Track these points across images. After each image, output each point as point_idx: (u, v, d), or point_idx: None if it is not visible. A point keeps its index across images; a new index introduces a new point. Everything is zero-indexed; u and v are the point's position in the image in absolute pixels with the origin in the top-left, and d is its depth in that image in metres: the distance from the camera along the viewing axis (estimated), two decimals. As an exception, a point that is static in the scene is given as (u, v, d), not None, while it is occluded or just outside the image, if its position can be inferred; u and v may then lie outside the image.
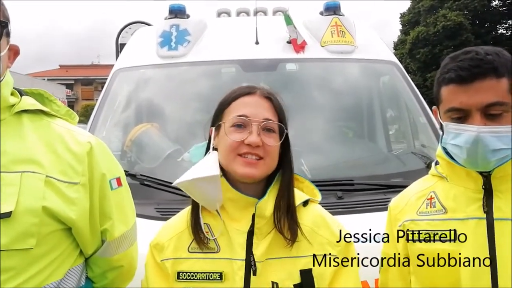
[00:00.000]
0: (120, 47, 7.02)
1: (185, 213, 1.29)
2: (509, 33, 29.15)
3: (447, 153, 1.23)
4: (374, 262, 1.44)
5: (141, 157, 2.42)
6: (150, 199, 2.04)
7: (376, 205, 2.04)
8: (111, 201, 1.22)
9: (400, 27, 31.74)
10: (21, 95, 1.19)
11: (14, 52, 1.18)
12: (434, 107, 1.28)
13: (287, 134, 1.23)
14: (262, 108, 1.21)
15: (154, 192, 2.11)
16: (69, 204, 1.10)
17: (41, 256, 1.08)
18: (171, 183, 2.13)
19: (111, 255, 1.27)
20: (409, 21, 30.16)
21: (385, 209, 2.01)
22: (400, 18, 31.69)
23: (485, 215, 1.15)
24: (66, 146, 1.16)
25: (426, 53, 27.08)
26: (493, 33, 29.02)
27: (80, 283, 1.21)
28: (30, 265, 1.05)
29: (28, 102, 1.17)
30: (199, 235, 1.20)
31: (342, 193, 2.11)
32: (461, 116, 1.14)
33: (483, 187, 1.17)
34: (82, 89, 47.47)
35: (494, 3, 29.03)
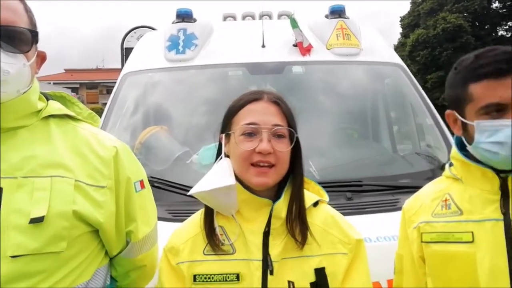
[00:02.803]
0: (125, 51, 7.08)
1: (198, 216, 1.29)
2: (510, 35, 29.19)
3: (466, 155, 1.22)
4: (383, 263, 1.47)
5: (150, 160, 2.43)
6: (161, 201, 2.04)
7: (386, 206, 2.06)
8: (135, 203, 1.24)
9: (400, 30, 31.86)
10: (47, 99, 1.20)
11: (41, 58, 1.19)
12: (449, 111, 1.24)
13: (297, 138, 1.23)
14: (270, 114, 1.20)
15: (165, 194, 2.13)
16: (97, 207, 1.12)
17: (71, 258, 1.09)
18: (182, 184, 2.20)
19: (135, 255, 1.29)
20: (409, 24, 30.24)
21: (395, 209, 2.05)
22: (400, 21, 31.78)
23: (502, 217, 1.15)
24: (92, 150, 1.17)
25: (426, 55, 27.14)
26: (493, 35, 29.07)
27: (106, 283, 1.23)
28: (61, 268, 1.07)
29: (55, 107, 1.19)
30: (213, 239, 1.20)
31: (352, 194, 2.12)
32: (494, 111, 1.11)
33: (500, 188, 1.16)
34: (87, 92, 47.35)
35: (494, 5, 29.11)
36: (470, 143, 1.19)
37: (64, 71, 50.20)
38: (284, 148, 1.19)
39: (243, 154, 1.18)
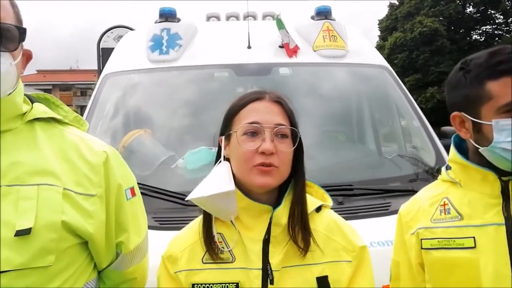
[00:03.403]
0: (101, 52, 6.89)
1: (197, 223, 1.24)
2: (483, 39, 30.08)
3: (466, 157, 1.20)
4: (378, 268, 1.42)
5: (134, 164, 2.32)
6: (147, 208, 1.96)
7: (378, 210, 2.03)
8: (127, 212, 1.17)
9: (378, 33, 32.42)
10: (32, 101, 1.13)
11: (27, 57, 1.12)
12: (455, 113, 1.19)
13: (300, 138, 1.18)
14: (273, 113, 1.16)
15: (150, 201, 2.03)
16: (86, 217, 1.05)
17: (59, 273, 1.02)
18: (167, 191, 2.12)
19: (126, 267, 1.22)
20: (387, 27, 30.82)
21: (386, 214, 2.02)
22: (378, 24, 32.35)
23: (504, 221, 1.12)
24: (81, 156, 1.10)
25: (404, 58, 27.70)
26: (468, 39, 29.91)
27: None
28: (48, 283, 0.99)
29: (40, 110, 1.11)
30: (212, 247, 1.16)
31: (343, 198, 2.09)
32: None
33: (502, 192, 1.14)
34: (60, 94, 45.97)
35: (468, 10, 29.95)
36: (481, 145, 1.15)
37: (36, 72, 48.48)
38: (287, 148, 1.15)
39: (245, 155, 1.14)
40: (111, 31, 7.50)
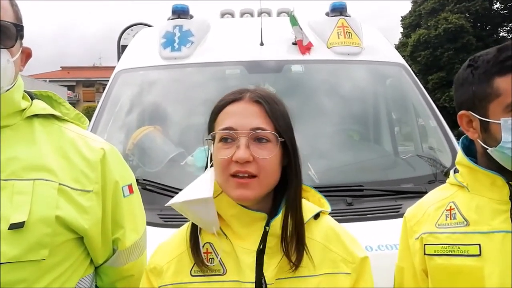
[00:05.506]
0: (121, 49, 6.98)
1: (184, 230, 1.14)
2: (511, 36, 29.11)
3: (473, 161, 1.15)
4: (386, 273, 1.38)
5: (143, 161, 2.35)
6: (153, 205, 1.96)
7: (388, 212, 1.98)
8: (123, 209, 1.18)
9: (401, 29, 31.77)
10: (32, 98, 1.15)
11: (26, 54, 1.14)
12: (462, 112, 1.14)
13: (285, 142, 1.06)
14: (250, 116, 1.05)
15: (157, 198, 2.05)
16: (82, 213, 1.07)
17: (53, 267, 1.04)
18: (175, 188, 2.11)
19: (122, 264, 1.23)
20: (410, 24, 30.17)
21: (397, 216, 1.97)
22: (401, 21, 31.70)
23: (511, 229, 1.06)
24: (78, 153, 1.12)
25: (427, 56, 27.07)
26: (495, 36, 29.00)
27: None
28: (42, 277, 1.01)
29: (40, 106, 1.14)
30: (199, 258, 1.07)
31: (352, 199, 2.04)
32: None
33: (510, 198, 1.08)
34: (83, 90, 47.55)
35: (495, 6, 29.03)
36: (490, 146, 1.08)
37: (61, 68, 50.20)
38: (266, 154, 1.03)
39: (220, 164, 1.05)
40: (131, 28, 7.60)
